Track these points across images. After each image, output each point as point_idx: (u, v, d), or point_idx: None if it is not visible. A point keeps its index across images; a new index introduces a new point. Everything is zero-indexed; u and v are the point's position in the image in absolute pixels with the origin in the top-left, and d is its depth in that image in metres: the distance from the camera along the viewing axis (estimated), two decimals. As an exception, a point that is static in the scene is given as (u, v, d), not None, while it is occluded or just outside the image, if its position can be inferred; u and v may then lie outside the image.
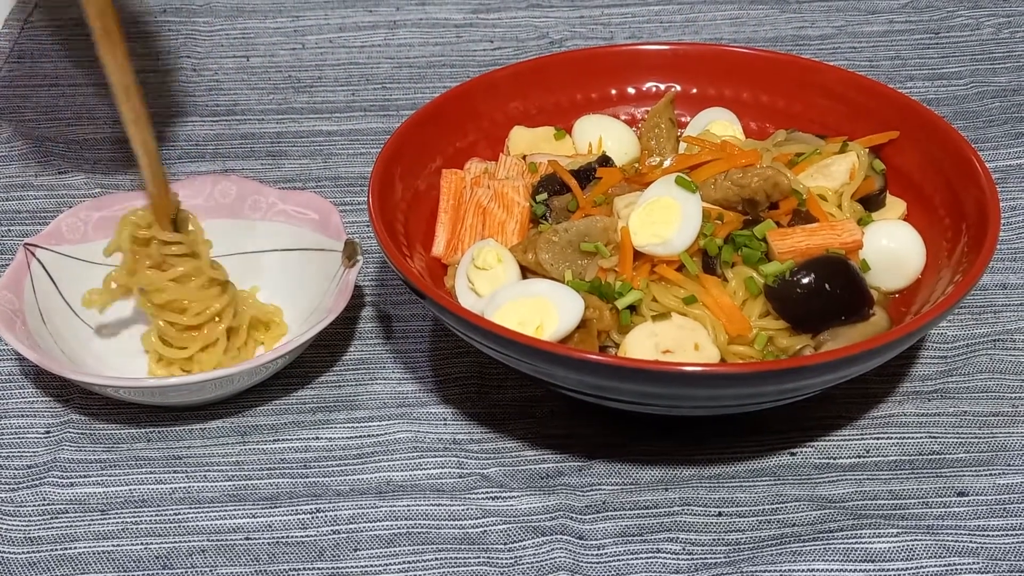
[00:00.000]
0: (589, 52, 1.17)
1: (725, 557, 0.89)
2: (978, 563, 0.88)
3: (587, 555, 0.90)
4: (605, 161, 1.06)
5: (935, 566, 0.88)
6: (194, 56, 1.39)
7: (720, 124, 1.10)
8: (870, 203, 1.04)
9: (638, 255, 0.96)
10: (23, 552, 0.91)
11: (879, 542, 0.89)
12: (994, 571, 0.87)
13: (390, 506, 0.93)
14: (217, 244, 1.08)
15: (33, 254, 1.04)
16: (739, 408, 0.93)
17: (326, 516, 0.92)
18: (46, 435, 0.99)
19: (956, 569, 0.88)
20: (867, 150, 1.06)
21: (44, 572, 0.89)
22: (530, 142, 1.11)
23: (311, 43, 1.41)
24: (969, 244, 0.96)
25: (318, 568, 0.89)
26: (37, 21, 1.43)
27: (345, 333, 1.06)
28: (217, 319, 1.01)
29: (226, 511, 0.93)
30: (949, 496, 0.93)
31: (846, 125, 1.09)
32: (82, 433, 0.99)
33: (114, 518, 0.93)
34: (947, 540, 0.89)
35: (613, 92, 1.15)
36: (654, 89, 1.15)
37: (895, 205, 1.05)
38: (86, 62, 1.38)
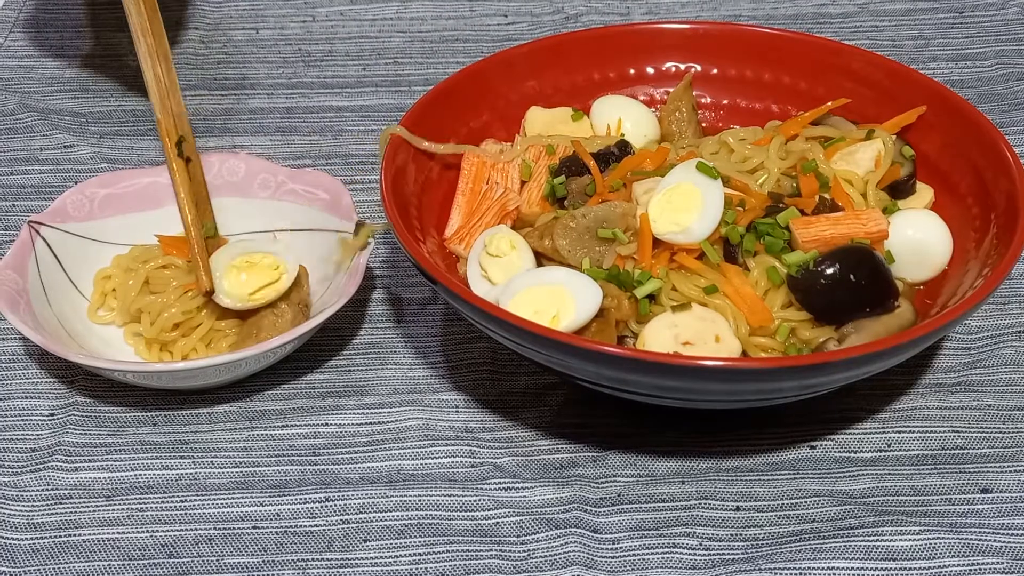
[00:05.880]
0: (607, 31, 1.14)
1: (743, 553, 0.87)
2: (1002, 563, 0.86)
3: (601, 549, 0.88)
4: (624, 147, 1.04)
5: (958, 565, 0.86)
6: (202, 28, 1.37)
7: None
8: (898, 190, 1.02)
9: (657, 243, 0.94)
10: (26, 538, 0.89)
11: (900, 540, 0.87)
12: (1019, 571, 0.86)
13: (401, 496, 0.91)
14: (225, 224, 1.06)
15: (38, 232, 1.02)
16: (760, 402, 0.91)
17: (335, 505, 0.91)
18: (50, 417, 0.97)
19: (979, 569, 0.86)
20: (895, 137, 1.03)
21: (48, 559, 0.88)
22: (546, 123, 1.09)
23: (322, 15, 1.38)
24: (998, 236, 0.94)
25: (327, 559, 0.87)
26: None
27: (355, 316, 1.04)
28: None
29: (233, 499, 0.91)
30: (973, 493, 0.91)
31: (870, 108, 1.07)
32: (87, 416, 0.97)
33: (119, 504, 0.91)
34: (970, 538, 0.87)
35: (632, 72, 1.13)
36: (673, 69, 1.12)
37: (923, 192, 1.02)
38: (92, 32, 1.35)
